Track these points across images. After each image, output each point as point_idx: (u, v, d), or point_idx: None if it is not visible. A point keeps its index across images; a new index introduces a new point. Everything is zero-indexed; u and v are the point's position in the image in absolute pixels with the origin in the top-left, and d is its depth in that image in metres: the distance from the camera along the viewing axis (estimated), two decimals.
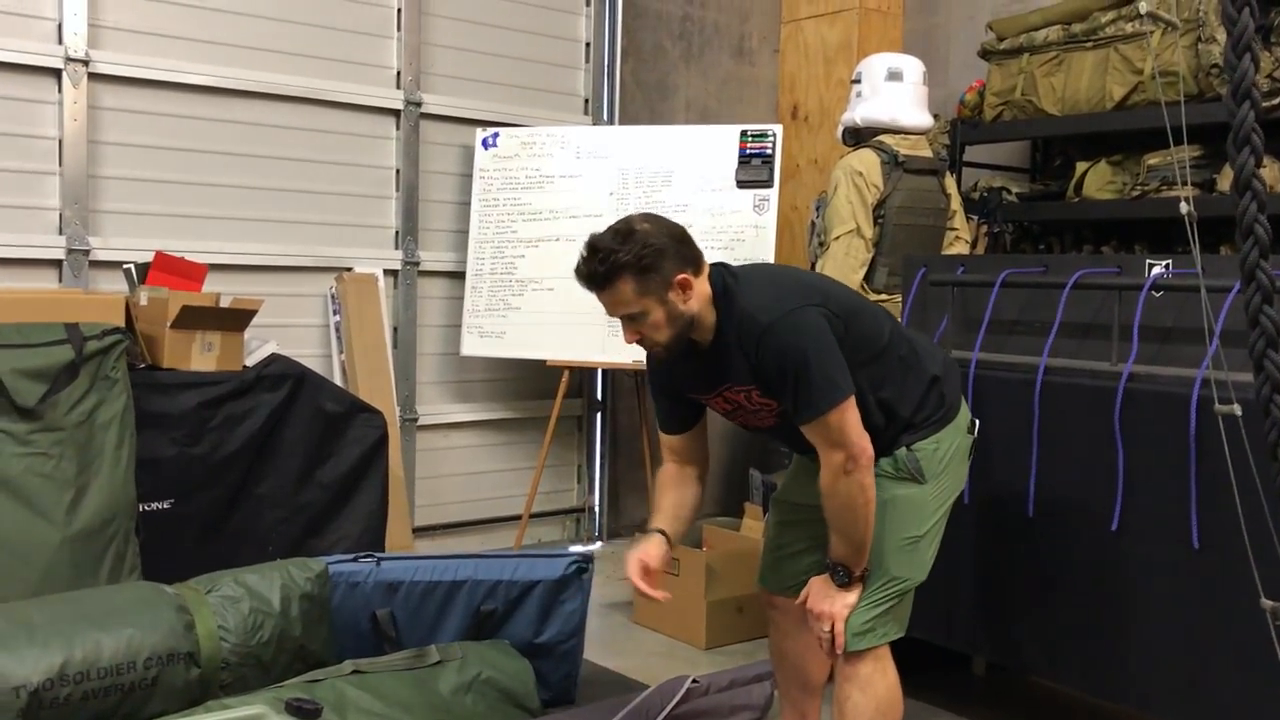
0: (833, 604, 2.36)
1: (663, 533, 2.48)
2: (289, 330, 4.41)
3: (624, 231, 2.26)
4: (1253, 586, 1.81)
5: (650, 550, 2.44)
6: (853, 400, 2.26)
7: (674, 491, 2.55)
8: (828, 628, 2.36)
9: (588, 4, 5.37)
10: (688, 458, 2.57)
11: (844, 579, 2.36)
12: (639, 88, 5.51)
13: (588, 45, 5.38)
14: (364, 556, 3.08)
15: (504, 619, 3.13)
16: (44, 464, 3.14)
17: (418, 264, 4.89)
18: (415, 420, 4.91)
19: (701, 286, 2.31)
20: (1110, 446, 2.68)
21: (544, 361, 4.85)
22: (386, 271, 4.79)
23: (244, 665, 2.76)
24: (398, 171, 4.83)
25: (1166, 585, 2.60)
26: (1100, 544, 2.72)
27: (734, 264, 2.44)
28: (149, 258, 3.86)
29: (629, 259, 2.23)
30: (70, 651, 2.51)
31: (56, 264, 4.03)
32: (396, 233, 4.85)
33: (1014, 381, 2.91)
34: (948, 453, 2.42)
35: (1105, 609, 2.73)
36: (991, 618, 2.98)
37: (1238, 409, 1.70)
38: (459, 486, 5.08)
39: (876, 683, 2.38)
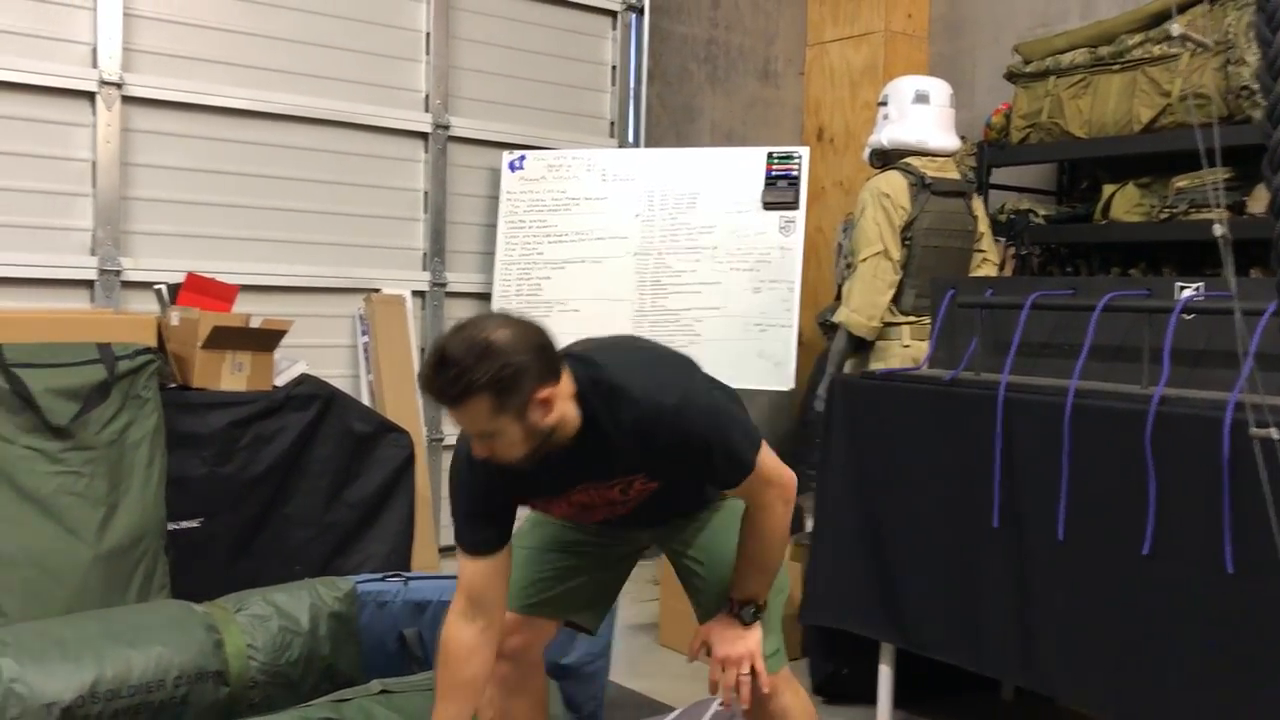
0: (747, 644, 2.25)
1: None
2: (317, 351, 4.44)
3: (480, 345, 1.95)
4: None
5: None
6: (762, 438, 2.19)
7: (462, 697, 2.17)
8: (747, 669, 2.24)
9: (614, 28, 5.41)
10: (492, 598, 2.19)
11: (754, 615, 2.28)
12: (664, 110, 5.54)
13: (614, 68, 5.42)
14: (392, 576, 3.08)
15: None
16: (76, 482, 3.17)
17: (445, 285, 4.91)
18: (441, 441, 4.92)
19: (564, 391, 2.04)
20: (1141, 470, 2.65)
21: None
22: (414, 293, 4.83)
23: (272, 684, 2.76)
24: (425, 194, 4.87)
25: (1199, 610, 2.57)
26: (1132, 568, 2.69)
27: (573, 345, 2.19)
28: (180, 278, 3.90)
29: (485, 380, 1.93)
30: (101, 669, 2.52)
31: (88, 284, 4.07)
32: (424, 254, 4.89)
33: (1043, 404, 2.89)
34: None
35: (1136, 633, 2.69)
36: (1021, 642, 2.95)
37: (1275, 433, 1.68)
38: None
39: (795, 708, 2.36)
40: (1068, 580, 2.84)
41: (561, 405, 2.03)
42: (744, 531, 2.26)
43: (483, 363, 1.94)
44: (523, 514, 2.36)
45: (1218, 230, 1.73)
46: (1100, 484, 2.77)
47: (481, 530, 2.19)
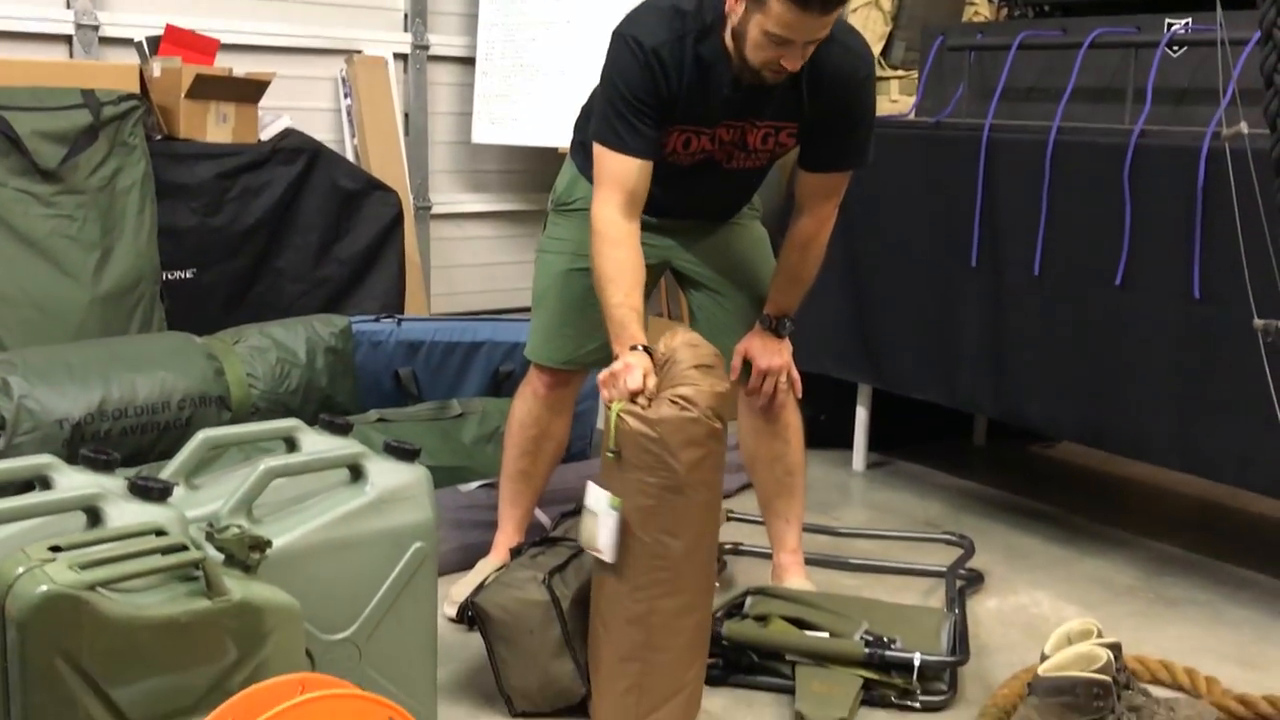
0: (783, 355, 2.41)
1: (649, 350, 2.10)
2: (300, 114, 4.35)
3: None
4: (1248, 334, 1.87)
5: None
6: None
7: (637, 278, 2.19)
8: (784, 377, 2.41)
9: None
10: (641, 194, 2.21)
11: (788, 328, 2.42)
12: None
13: None
14: (385, 317, 3.16)
15: (521, 379, 3.22)
16: (69, 225, 3.20)
17: (427, 48, 4.82)
18: (429, 209, 4.93)
19: None
20: (1118, 203, 2.71)
21: (556, 150, 4.83)
22: (396, 55, 4.74)
23: (272, 411, 2.87)
24: None
25: (1166, 336, 2.67)
26: (1104, 299, 2.77)
27: None
28: (159, 33, 3.82)
29: None
30: (108, 389, 2.63)
31: (66, 39, 3.98)
32: (405, 15, 4.78)
33: (1026, 143, 2.92)
34: None
35: (1106, 362, 2.80)
36: (995, 376, 3.06)
37: (1244, 126, 1.73)
38: (473, 276, 5.14)
39: (798, 425, 2.54)
40: (1042, 314, 2.93)
41: None
42: (789, 245, 2.40)
43: None
44: (555, 271, 2.47)
45: None
46: (1078, 219, 2.83)
47: (645, 134, 2.17)
